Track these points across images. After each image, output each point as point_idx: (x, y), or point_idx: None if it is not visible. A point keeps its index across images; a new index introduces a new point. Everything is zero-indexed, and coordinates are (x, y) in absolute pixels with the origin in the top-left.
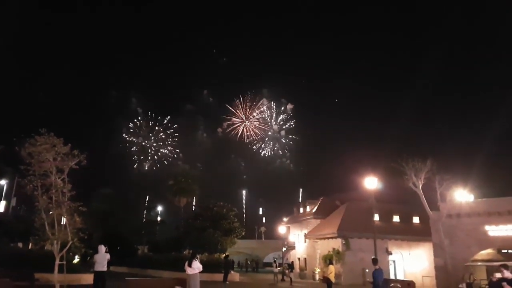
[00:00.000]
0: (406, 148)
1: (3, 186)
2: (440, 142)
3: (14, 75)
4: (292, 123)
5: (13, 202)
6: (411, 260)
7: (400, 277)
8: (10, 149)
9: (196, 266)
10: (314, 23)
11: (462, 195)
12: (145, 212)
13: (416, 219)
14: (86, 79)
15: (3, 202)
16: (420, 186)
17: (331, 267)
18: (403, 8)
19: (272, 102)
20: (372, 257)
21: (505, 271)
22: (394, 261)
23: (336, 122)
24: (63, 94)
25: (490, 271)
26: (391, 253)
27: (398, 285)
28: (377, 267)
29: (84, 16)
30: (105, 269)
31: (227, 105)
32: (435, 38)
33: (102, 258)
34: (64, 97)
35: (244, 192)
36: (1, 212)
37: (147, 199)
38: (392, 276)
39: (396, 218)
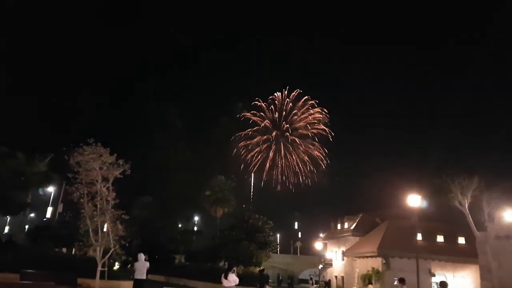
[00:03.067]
0: (452, 163)
1: (51, 193)
2: (489, 158)
3: (63, 88)
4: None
5: (60, 208)
6: (455, 283)
7: None
8: (59, 157)
9: (233, 279)
10: (359, 39)
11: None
12: (182, 222)
13: (461, 240)
14: (128, 92)
15: (50, 208)
16: (467, 205)
17: (371, 287)
18: (450, 17)
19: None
20: (400, 277)
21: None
22: (437, 283)
23: (378, 135)
24: (109, 106)
25: None
26: (434, 275)
27: None
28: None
29: (126, 30)
30: (144, 277)
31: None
32: (478, 48)
33: (142, 266)
34: (109, 109)
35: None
36: (48, 218)
37: (185, 210)
38: None
39: (440, 238)
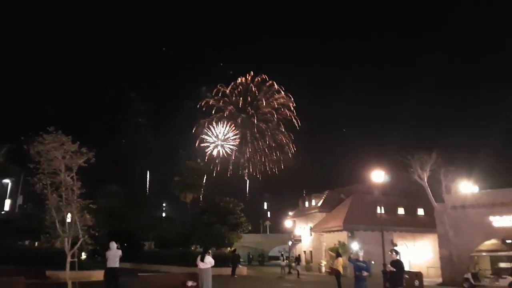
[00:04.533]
0: (411, 141)
1: (8, 185)
2: (445, 135)
3: (21, 74)
4: (294, 117)
5: (20, 200)
6: (416, 252)
7: (405, 268)
8: (17, 147)
9: (209, 260)
10: (320, 23)
11: (467, 187)
12: (151, 209)
13: (421, 211)
14: (90, 78)
15: (8, 201)
16: (426, 179)
17: (340, 260)
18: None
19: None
20: (391, 248)
21: (393, 253)
22: (400, 253)
23: (341, 115)
24: (68, 92)
25: (494, 261)
26: (396, 245)
27: (406, 276)
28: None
29: (89, 18)
30: (117, 265)
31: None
32: (440, 33)
33: (114, 254)
34: (69, 95)
35: (247, 186)
36: (7, 211)
37: (153, 196)
38: None
39: (401, 211)
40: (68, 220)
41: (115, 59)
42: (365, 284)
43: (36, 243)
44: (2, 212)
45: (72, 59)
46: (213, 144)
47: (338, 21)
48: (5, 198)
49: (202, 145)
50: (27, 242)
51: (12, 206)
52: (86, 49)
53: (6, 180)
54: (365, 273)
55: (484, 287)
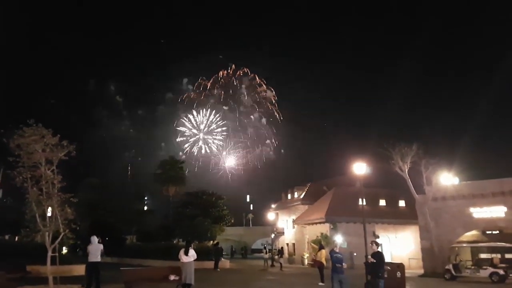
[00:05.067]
0: (392, 133)
1: None
2: (426, 127)
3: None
4: (276, 110)
5: None
6: (397, 243)
7: (387, 259)
8: None
9: (192, 254)
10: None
11: (447, 179)
12: (132, 202)
13: (402, 203)
14: (66, 69)
15: None
16: (406, 171)
17: (323, 252)
18: None
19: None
20: (372, 240)
21: (374, 245)
22: (381, 244)
23: (322, 106)
24: (45, 85)
25: (475, 252)
26: (378, 237)
27: (388, 267)
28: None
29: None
30: (99, 259)
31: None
32: (417, 24)
33: (96, 248)
34: (46, 87)
35: (230, 178)
36: None
37: (134, 189)
38: None
39: (382, 202)
40: (49, 214)
41: (95, 51)
42: (344, 276)
43: (17, 238)
44: None
45: (52, 51)
46: (194, 138)
47: (313, 10)
48: None
49: (182, 139)
50: (7, 237)
51: None
52: (65, 39)
53: None
54: (344, 265)
55: (465, 278)
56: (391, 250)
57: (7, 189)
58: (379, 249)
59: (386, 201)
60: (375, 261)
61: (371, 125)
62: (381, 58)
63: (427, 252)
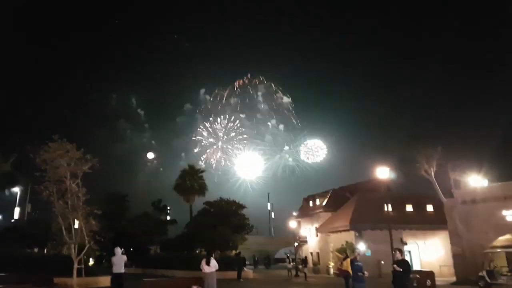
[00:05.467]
0: (417, 135)
1: (17, 193)
2: (452, 128)
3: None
4: (291, 114)
5: (28, 208)
6: (427, 250)
7: (416, 267)
8: (23, 157)
9: (213, 264)
10: (318, 13)
11: (476, 180)
12: (154, 212)
13: (430, 207)
14: (89, 84)
15: (18, 209)
16: (433, 174)
17: (349, 260)
18: None
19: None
20: (396, 247)
21: (398, 253)
22: (409, 252)
23: (342, 110)
24: (67, 99)
25: (510, 257)
26: (406, 243)
27: (417, 275)
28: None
29: (81, 22)
30: (122, 270)
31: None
32: (443, 23)
33: (119, 260)
34: (68, 102)
35: (249, 186)
36: (16, 219)
37: (156, 199)
38: None
39: (409, 207)
40: (75, 226)
41: (117, 66)
42: (363, 285)
43: (45, 250)
44: (12, 220)
45: (75, 66)
46: (213, 147)
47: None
48: (15, 207)
49: (200, 149)
50: (36, 250)
51: (21, 214)
52: (85, 54)
53: (15, 189)
54: (366, 274)
55: (501, 285)
56: (420, 257)
57: (35, 204)
58: (403, 257)
59: (413, 206)
60: (401, 269)
61: (394, 128)
62: (401, 57)
63: (459, 259)
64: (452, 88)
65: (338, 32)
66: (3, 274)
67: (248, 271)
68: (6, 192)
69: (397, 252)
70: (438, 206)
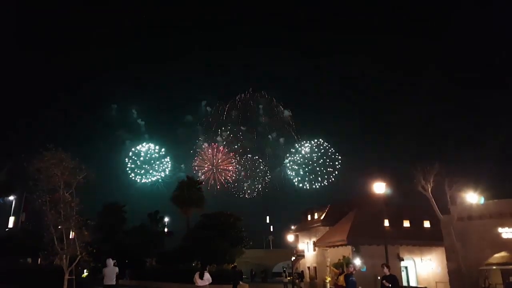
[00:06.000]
0: (413, 150)
1: (12, 202)
2: (449, 144)
3: (18, 92)
4: (292, 128)
5: (22, 217)
6: (423, 266)
7: (412, 283)
8: (18, 165)
9: (207, 277)
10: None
11: (472, 197)
12: (151, 224)
13: (427, 223)
14: (88, 93)
15: (12, 218)
16: (430, 190)
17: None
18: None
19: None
20: (382, 263)
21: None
22: (406, 267)
23: (339, 125)
24: (65, 109)
25: (505, 274)
26: (402, 259)
27: None
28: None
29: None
30: (114, 282)
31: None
32: (438, 45)
33: (111, 271)
34: (66, 112)
35: (248, 199)
36: (10, 228)
37: (153, 211)
38: (404, 283)
39: (406, 223)
40: (71, 236)
41: (118, 77)
42: None
43: (39, 260)
44: (6, 230)
45: (73, 74)
46: (209, 170)
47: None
48: (9, 216)
49: (200, 161)
50: (29, 260)
51: (16, 223)
52: (86, 62)
53: (11, 198)
54: None
55: None
56: (417, 273)
57: (30, 213)
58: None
59: (410, 222)
60: (390, 285)
61: (391, 143)
62: (401, 72)
63: (455, 275)
64: (449, 106)
65: (339, 53)
66: None
67: (244, 285)
68: (1, 200)
69: (385, 267)
70: (435, 222)
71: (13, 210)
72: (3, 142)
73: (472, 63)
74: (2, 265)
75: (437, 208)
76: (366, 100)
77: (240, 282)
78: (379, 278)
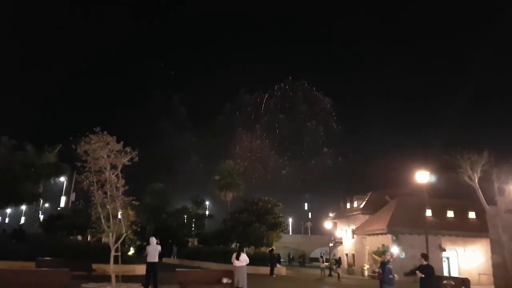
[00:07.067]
0: (460, 138)
1: (63, 183)
2: (498, 132)
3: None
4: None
5: (72, 197)
6: (466, 257)
7: (454, 274)
8: (67, 147)
9: (243, 258)
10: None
11: None
12: (193, 207)
13: (472, 214)
14: (132, 82)
15: (64, 198)
16: (476, 180)
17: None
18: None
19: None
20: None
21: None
22: (448, 258)
23: (384, 112)
24: (114, 96)
25: None
26: (444, 250)
27: (452, 282)
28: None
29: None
30: (156, 260)
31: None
32: (488, 28)
33: (154, 249)
34: (115, 98)
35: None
36: (62, 207)
37: (195, 195)
38: (445, 273)
39: (450, 214)
40: (119, 216)
41: (158, 62)
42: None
43: (89, 238)
44: (58, 209)
45: (117, 64)
46: (248, 157)
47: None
48: (61, 196)
49: (236, 156)
50: (79, 237)
51: (66, 202)
52: (128, 54)
53: (61, 179)
54: (396, 276)
55: None
56: (459, 264)
57: (80, 193)
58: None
59: (454, 212)
60: (423, 275)
61: (438, 130)
62: (449, 61)
63: (499, 268)
64: (501, 91)
65: (383, 44)
66: (47, 258)
67: (282, 268)
68: (52, 181)
69: (422, 258)
70: (480, 213)
71: (64, 190)
72: (56, 126)
73: None
74: (53, 241)
75: (483, 199)
76: (408, 79)
77: (278, 265)
78: (413, 267)
